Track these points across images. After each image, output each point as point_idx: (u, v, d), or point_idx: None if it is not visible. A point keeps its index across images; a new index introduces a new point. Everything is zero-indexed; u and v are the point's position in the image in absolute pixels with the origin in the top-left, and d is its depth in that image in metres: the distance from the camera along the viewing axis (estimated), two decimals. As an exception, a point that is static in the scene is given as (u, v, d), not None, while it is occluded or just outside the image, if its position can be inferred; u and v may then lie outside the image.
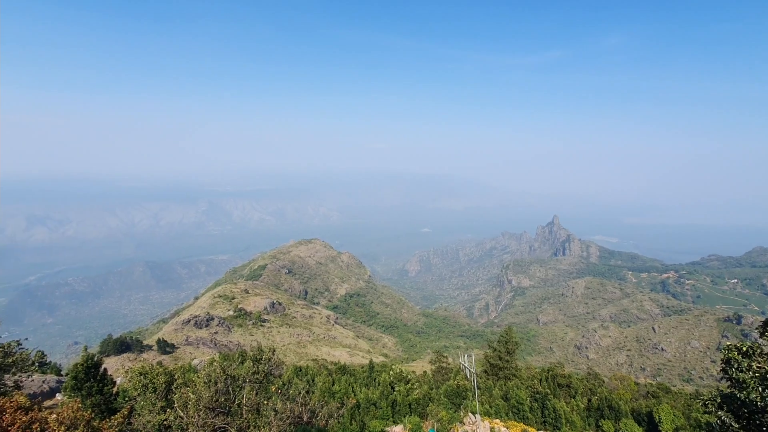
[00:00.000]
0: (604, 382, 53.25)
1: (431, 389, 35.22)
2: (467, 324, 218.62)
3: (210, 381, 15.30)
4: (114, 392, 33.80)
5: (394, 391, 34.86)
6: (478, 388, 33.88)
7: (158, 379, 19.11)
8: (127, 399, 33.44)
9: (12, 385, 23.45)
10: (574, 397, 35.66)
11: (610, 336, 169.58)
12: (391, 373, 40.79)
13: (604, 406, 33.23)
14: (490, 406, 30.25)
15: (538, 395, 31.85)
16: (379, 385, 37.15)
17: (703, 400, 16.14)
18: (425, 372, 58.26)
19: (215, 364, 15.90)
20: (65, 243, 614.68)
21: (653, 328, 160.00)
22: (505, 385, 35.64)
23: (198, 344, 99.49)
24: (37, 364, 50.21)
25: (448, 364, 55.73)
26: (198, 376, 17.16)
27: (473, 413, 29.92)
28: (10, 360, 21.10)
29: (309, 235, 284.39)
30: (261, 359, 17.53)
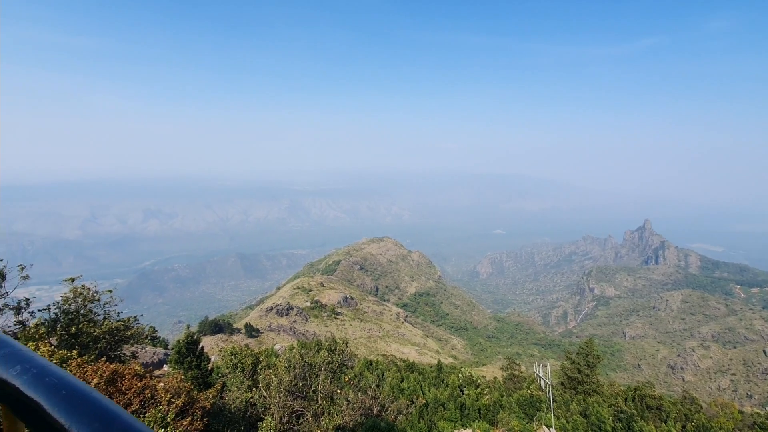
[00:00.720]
0: (702, 407, 46.76)
1: (502, 396, 34.14)
2: (542, 332, 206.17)
3: (290, 366, 16.71)
4: (209, 368, 38.18)
5: (463, 394, 34.47)
6: (554, 400, 32.05)
7: (246, 360, 21.23)
8: (219, 375, 37.59)
9: (129, 354, 27.41)
10: (665, 422, 31.96)
11: (711, 357, 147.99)
12: (460, 375, 40.34)
13: (705, 438, 29.29)
14: (567, 421, 28.47)
15: (622, 415, 29.17)
16: (447, 386, 36.98)
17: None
18: (495, 378, 56.43)
19: (294, 350, 17.31)
20: (173, 234, 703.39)
21: (765, 351, 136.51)
22: (584, 400, 33.20)
23: (279, 331, 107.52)
24: (150, 338, 58.31)
25: (521, 372, 53.32)
26: (279, 361, 18.78)
27: (547, 426, 28.45)
28: (129, 333, 24.69)
29: (381, 233, 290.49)
30: (335, 350, 18.65)
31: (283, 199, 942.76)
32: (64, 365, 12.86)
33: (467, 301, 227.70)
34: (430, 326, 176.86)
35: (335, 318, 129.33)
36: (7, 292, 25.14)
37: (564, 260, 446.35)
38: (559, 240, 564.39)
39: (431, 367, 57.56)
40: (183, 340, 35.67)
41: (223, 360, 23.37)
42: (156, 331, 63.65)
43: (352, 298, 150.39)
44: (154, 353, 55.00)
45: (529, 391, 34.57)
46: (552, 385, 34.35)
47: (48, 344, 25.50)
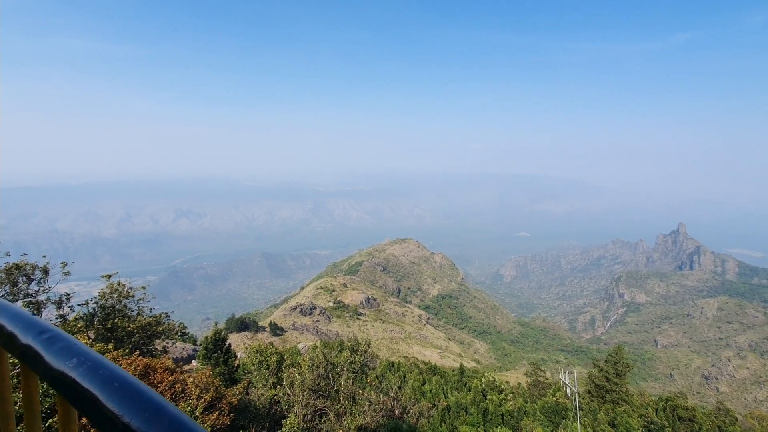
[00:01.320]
0: (737, 420, 44.28)
1: (526, 403, 33.46)
2: (569, 338, 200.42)
3: (313, 365, 17.02)
4: (235, 365, 39.26)
5: (486, 399, 34.00)
6: (581, 409, 31.14)
7: (271, 358, 21.74)
8: (245, 372, 38.57)
9: (161, 349, 28.45)
10: (701, 436, 30.50)
11: (747, 367, 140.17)
12: (483, 380, 39.83)
13: (745, 454, 27.71)
14: (594, 431, 27.62)
15: (653, 426, 28.04)
16: (470, 390, 36.57)
17: None
18: (519, 384, 55.33)
19: (318, 350, 17.60)
20: (202, 233, 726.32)
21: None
22: (612, 410, 32.11)
23: (302, 330, 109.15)
24: (179, 334, 60.32)
25: (546, 378, 52.09)
26: (303, 359, 19.13)
27: (573, 435, 27.68)
28: (161, 329, 25.71)
29: (403, 235, 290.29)
30: (358, 351, 18.83)
31: (307, 200, 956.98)
32: None
33: (491, 304, 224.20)
34: (453, 329, 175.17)
35: (357, 318, 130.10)
36: (50, 287, 26.68)
37: (592, 264, 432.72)
38: (587, 243, 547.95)
39: (453, 370, 57.03)
40: (211, 337, 36.84)
41: (249, 357, 24.02)
42: (185, 327, 65.82)
43: (375, 299, 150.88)
44: (183, 348, 56.98)
45: (554, 399, 33.73)
46: (578, 393, 33.38)
47: (86, 337, 26.93)
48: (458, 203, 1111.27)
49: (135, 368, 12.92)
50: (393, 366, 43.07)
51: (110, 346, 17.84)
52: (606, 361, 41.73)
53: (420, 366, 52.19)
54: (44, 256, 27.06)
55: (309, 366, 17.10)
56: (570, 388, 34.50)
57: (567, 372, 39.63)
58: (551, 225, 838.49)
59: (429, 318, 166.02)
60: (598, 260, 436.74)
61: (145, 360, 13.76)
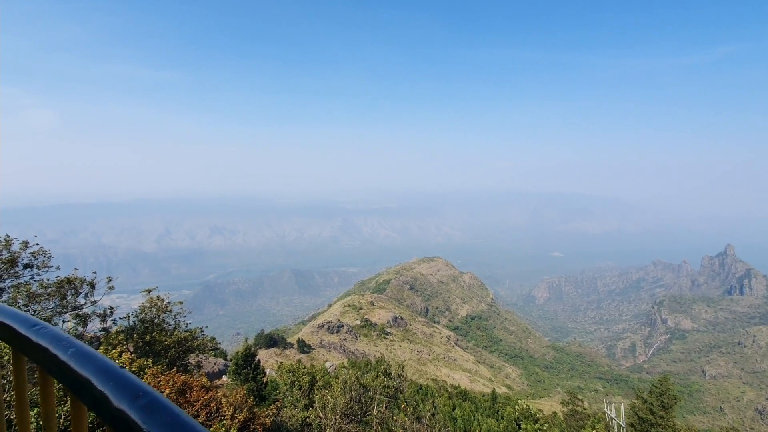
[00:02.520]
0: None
1: (564, 435, 31.60)
2: (607, 365, 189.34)
3: (346, 388, 16.81)
4: (264, 381, 39.45)
5: (519, 428, 32.44)
6: (624, 445, 29.08)
7: (303, 379, 21.68)
8: (274, 389, 38.65)
9: (195, 364, 28.98)
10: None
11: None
12: (516, 407, 38.12)
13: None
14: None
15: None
16: (503, 418, 35.03)
17: None
18: (555, 413, 52.49)
19: (350, 372, 17.36)
20: (235, 249, 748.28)
21: None
22: (660, 448, 29.76)
23: (329, 348, 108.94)
24: (212, 348, 61.59)
25: (584, 408, 49.17)
26: (336, 381, 18.93)
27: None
28: (195, 343, 26.37)
29: (431, 253, 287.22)
30: (391, 374, 18.49)
31: (336, 218, 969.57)
32: (142, 373, 14.01)
33: (522, 327, 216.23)
34: (482, 352, 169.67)
35: (384, 338, 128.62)
36: (95, 301, 28.07)
37: (631, 287, 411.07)
38: (625, 264, 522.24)
39: (484, 395, 54.94)
40: (241, 353, 37.37)
41: (281, 377, 24.04)
42: (217, 342, 67.17)
43: (402, 318, 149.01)
44: (214, 363, 58.05)
45: (594, 431, 31.70)
46: (624, 428, 31.24)
47: (127, 350, 27.96)
48: (487, 221, 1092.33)
49: (173, 385, 13.20)
50: (421, 389, 42.04)
51: (149, 361, 18.42)
52: (650, 392, 38.99)
53: (449, 389, 50.66)
54: (93, 272, 28.63)
55: (342, 388, 16.91)
56: (617, 423, 32.36)
57: (613, 404, 37.32)
58: (586, 245, 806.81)
59: (458, 339, 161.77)
60: (638, 283, 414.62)
61: (182, 377, 14.05)
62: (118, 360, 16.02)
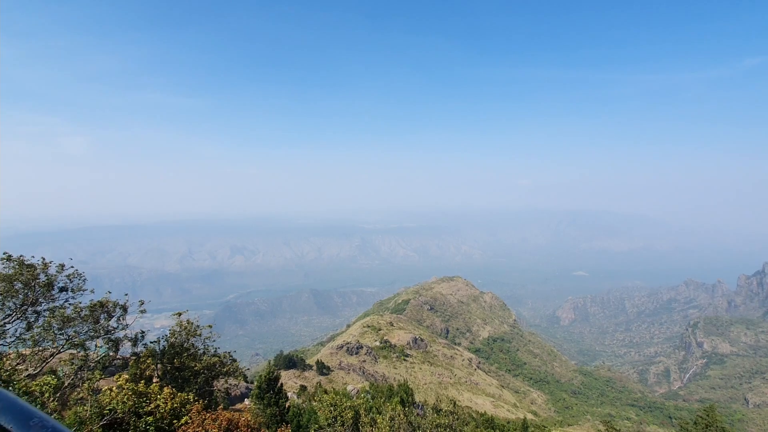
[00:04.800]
0: None
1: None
2: (640, 391, 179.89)
3: (394, 427, 16.36)
4: (287, 406, 39.27)
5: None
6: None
7: (346, 414, 21.21)
8: (296, 415, 38.34)
9: (223, 390, 29.04)
10: None
11: None
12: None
13: None
14: None
15: None
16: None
17: None
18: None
19: (398, 409, 16.84)
20: (254, 269, 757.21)
21: None
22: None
23: (348, 370, 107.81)
24: (241, 374, 61.92)
25: (618, 439, 46.77)
26: (382, 419, 18.18)
27: None
28: (225, 369, 26.66)
29: (450, 273, 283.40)
30: (441, 409, 17.99)
31: (354, 237, 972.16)
32: (183, 409, 14.11)
33: (547, 349, 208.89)
34: (506, 375, 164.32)
35: (404, 360, 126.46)
36: (127, 324, 28.80)
37: (662, 308, 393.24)
38: (654, 284, 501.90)
39: (508, 422, 53.05)
40: (264, 377, 37.46)
41: (322, 412, 23.59)
42: (245, 369, 67.39)
43: (422, 340, 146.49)
44: (236, 386, 58.32)
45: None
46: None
47: (156, 376, 28.48)
48: (507, 240, 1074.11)
49: (219, 425, 13.19)
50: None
51: (191, 396, 17.90)
52: (695, 422, 37.00)
53: (475, 416, 49.26)
54: (126, 295, 29.52)
55: (390, 427, 16.44)
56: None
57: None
58: (611, 264, 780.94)
59: (480, 362, 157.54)
60: (669, 303, 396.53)
61: (227, 414, 14.11)
62: (149, 388, 16.08)
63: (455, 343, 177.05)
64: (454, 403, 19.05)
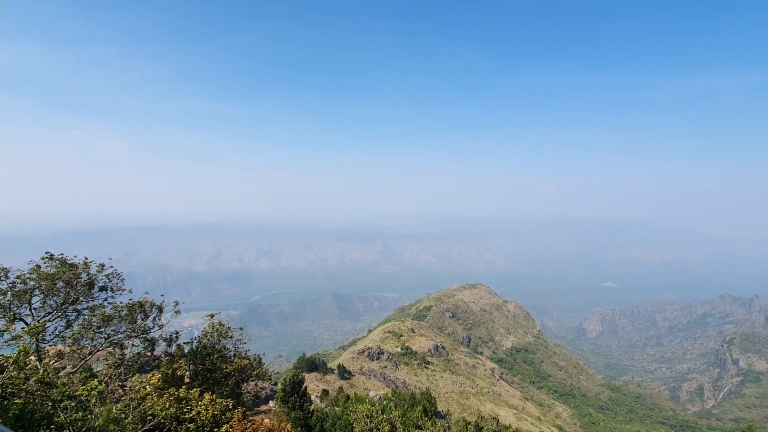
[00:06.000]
0: None
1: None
2: (671, 409, 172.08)
3: None
4: (311, 410, 40.10)
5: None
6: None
7: (383, 427, 21.41)
8: (319, 419, 39.01)
9: (252, 393, 29.89)
10: None
11: None
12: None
13: None
14: None
15: None
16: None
17: None
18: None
19: (437, 426, 16.86)
20: (279, 272, 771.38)
21: None
22: None
23: (369, 375, 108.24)
24: (269, 378, 63.58)
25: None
26: None
27: None
28: (255, 372, 27.69)
29: (473, 280, 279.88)
30: (483, 428, 18.15)
31: (376, 242, 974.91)
32: (223, 416, 14.52)
33: (573, 362, 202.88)
34: (529, 387, 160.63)
35: (425, 367, 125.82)
36: (163, 325, 30.19)
37: (696, 322, 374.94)
38: (687, 297, 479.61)
39: (532, 437, 52.11)
40: (289, 380, 38.52)
41: (357, 424, 23.79)
42: (266, 366, 69.07)
43: (444, 347, 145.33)
44: (261, 388, 59.90)
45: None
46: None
47: (188, 377, 29.71)
48: (532, 248, 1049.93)
49: None
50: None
51: (230, 403, 18.03)
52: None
53: (498, 429, 48.78)
54: (162, 295, 30.94)
55: None
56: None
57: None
58: (642, 275, 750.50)
59: (503, 373, 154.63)
60: (704, 318, 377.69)
61: (267, 423, 14.65)
62: (189, 393, 16.37)
63: (477, 353, 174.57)
64: (497, 420, 19.02)
